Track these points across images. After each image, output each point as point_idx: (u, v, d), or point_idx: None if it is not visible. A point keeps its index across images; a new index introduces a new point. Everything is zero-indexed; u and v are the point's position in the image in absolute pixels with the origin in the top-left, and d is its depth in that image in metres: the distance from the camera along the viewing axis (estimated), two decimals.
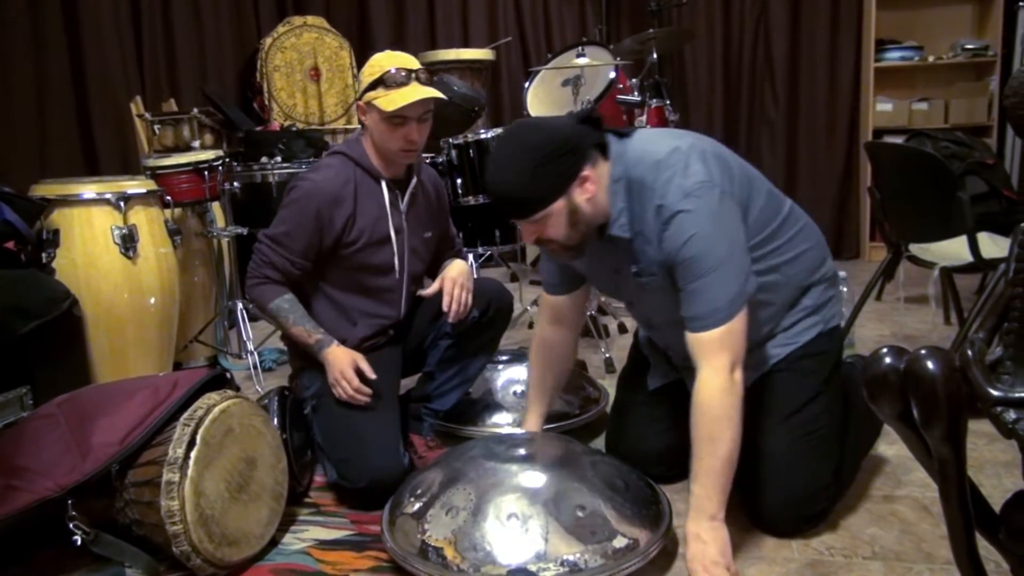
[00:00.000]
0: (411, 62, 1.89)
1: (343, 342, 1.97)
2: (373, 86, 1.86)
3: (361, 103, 1.91)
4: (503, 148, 1.56)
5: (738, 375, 1.50)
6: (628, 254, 1.62)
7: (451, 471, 1.59)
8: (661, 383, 1.86)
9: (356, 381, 1.85)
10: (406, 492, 1.62)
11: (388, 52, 1.92)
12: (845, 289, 2.24)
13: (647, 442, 1.83)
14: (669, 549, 1.59)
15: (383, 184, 1.97)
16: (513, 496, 1.49)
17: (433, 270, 2.16)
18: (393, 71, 1.85)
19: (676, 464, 1.82)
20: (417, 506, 1.55)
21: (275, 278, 1.93)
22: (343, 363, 1.87)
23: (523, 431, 1.88)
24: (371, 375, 1.87)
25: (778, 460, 1.63)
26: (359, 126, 2.03)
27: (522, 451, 1.62)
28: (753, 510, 1.67)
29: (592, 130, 1.58)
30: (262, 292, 1.94)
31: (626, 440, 1.83)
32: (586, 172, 1.53)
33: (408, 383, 2.26)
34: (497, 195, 1.56)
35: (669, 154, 1.54)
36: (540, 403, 1.90)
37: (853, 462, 1.79)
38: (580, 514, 1.47)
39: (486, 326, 2.09)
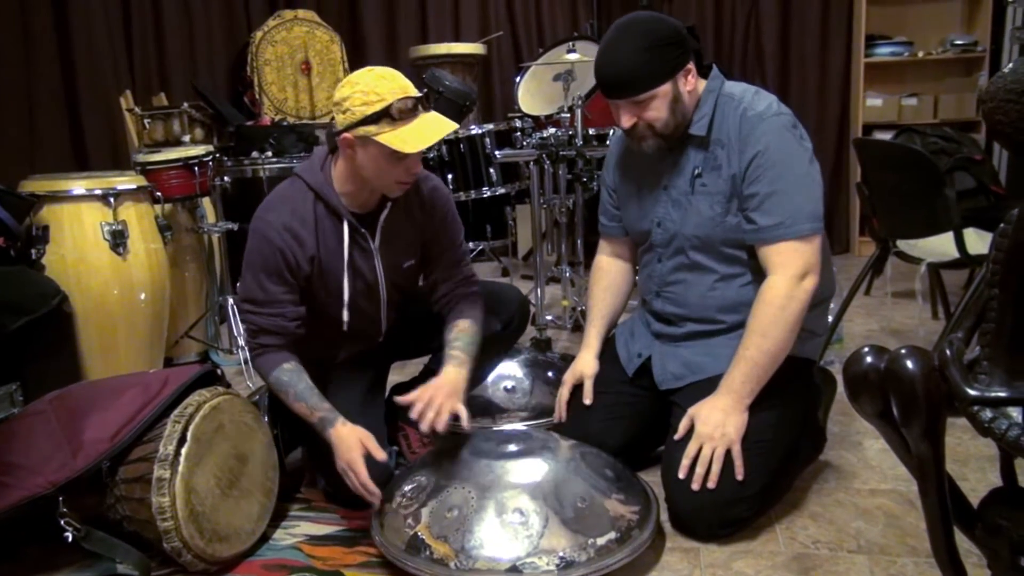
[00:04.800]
0: (410, 86, 1.62)
1: (333, 358, 1.87)
2: (374, 120, 1.57)
3: (350, 136, 1.61)
4: (620, 31, 1.69)
5: (807, 284, 1.63)
6: (692, 158, 1.75)
7: (443, 471, 1.59)
8: (638, 364, 1.88)
9: (364, 474, 1.59)
10: (396, 492, 1.62)
11: (377, 73, 1.61)
12: (834, 305, 2.27)
13: (611, 437, 1.83)
14: (657, 541, 1.61)
15: (345, 224, 1.73)
16: (515, 492, 1.50)
17: (431, 292, 1.95)
18: (400, 103, 1.57)
19: (634, 454, 1.88)
20: (410, 505, 1.55)
21: (272, 343, 1.71)
22: (351, 449, 1.61)
23: (511, 428, 1.89)
24: (381, 456, 1.63)
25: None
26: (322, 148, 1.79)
27: (512, 447, 1.63)
28: (675, 502, 1.65)
29: (692, 39, 1.73)
30: (261, 364, 1.73)
31: (588, 434, 1.82)
32: (690, 65, 1.70)
33: (402, 369, 2.27)
34: (611, 72, 1.69)
35: (766, 92, 1.74)
36: (598, 327, 1.96)
37: (788, 480, 1.79)
38: (581, 505, 1.49)
39: (506, 338, 2.10)
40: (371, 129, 1.58)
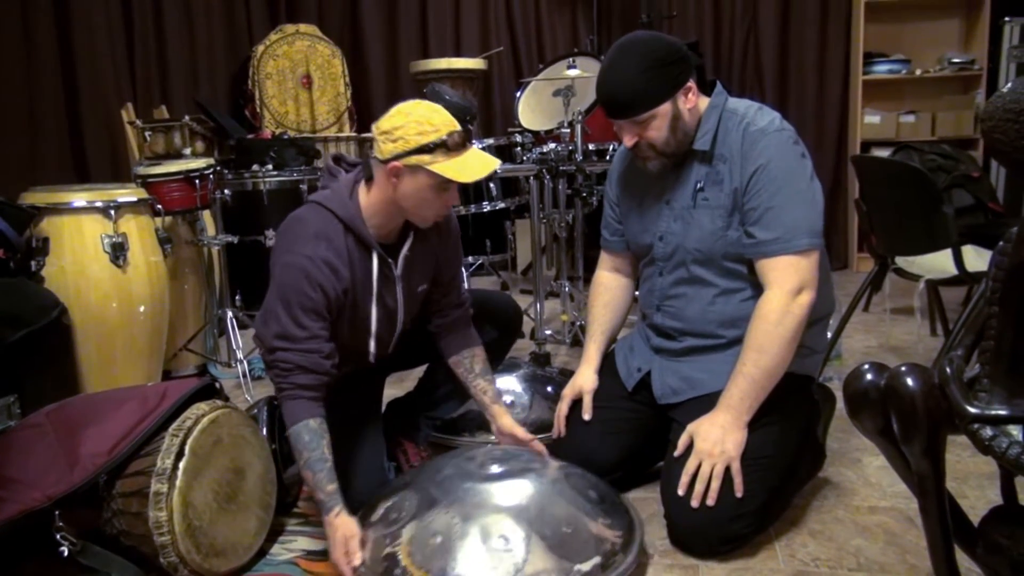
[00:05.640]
0: (456, 121, 1.67)
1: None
2: (429, 149, 1.59)
3: (399, 164, 1.60)
4: (621, 51, 1.71)
5: (803, 298, 1.63)
6: (696, 172, 1.76)
7: (426, 494, 1.54)
8: (637, 379, 1.88)
9: (347, 573, 1.53)
10: (377, 515, 1.58)
11: (427, 105, 1.64)
12: (833, 321, 2.28)
13: (610, 452, 1.84)
14: (642, 561, 1.60)
15: (374, 255, 1.73)
16: (499, 516, 1.47)
17: (429, 309, 1.96)
18: (454, 135, 1.61)
19: (632, 469, 1.90)
20: (390, 529, 1.51)
21: (307, 383, 1.62)
22: (335, 548, 1.55)
23: (493, 443, 1.89)
24: (356, 562, 1.53)
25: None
26: (335, 167, 1.78)
27: (496, 468, 1.59)
28: (673, 520, 1.65)
29: (694, 54, 1.69)
30: (290, 408, 1.63)
31: (586, 449, 1.83)
32: (690, 83, 1.72)
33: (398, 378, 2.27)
34: (611, 93, 1.71)
35: (769, 109, 1.76)
36: (597, 342, 1.97)
37: (787, 497, 1.78)
38: (566, 530, 1.46)
39: (504, 345, 2.11)
40: (424, 158, 1.60)
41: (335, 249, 1.67)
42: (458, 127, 1.64)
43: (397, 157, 1.60)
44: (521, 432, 1.85)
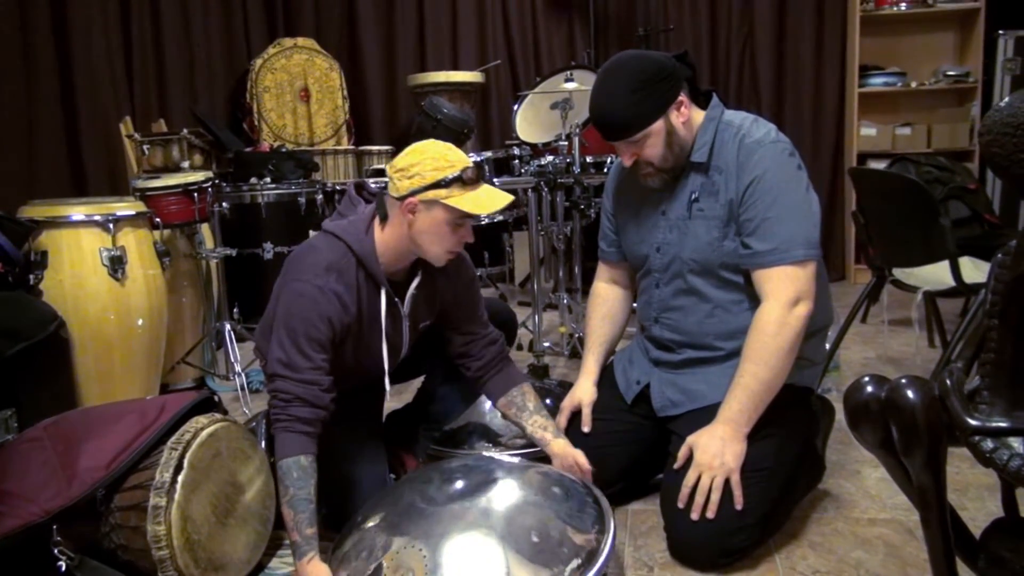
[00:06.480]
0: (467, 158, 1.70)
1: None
2: (446, 184, 1.62)
3: (415, 200, 1.63)
4: (608, 74, 1.73)
5: (800, 310, 1.63)
6: (691, 183, 1.77)
7: (390, 528, 1.49)
8: (636, 391, 1.88)
9: None
10: (345, 552, 1.52)
11: (441, 144, 1.67)
12: (831, 333, 2.28)
13: (613, 460, 1.84)
14: (618, 550, 1.60)
15: (383, 293, 1.74)
16: (465, 540, 1.42)
17: (464, 356, 1.95)
18: (470, 171, 1.64)
19: (632, 482, 1.90)
20: (361, 570, 1.46)
21: (305, 417, 1.59)
22: None
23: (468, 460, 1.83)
24: None
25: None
26: (352, 197, 1.80)
27: (457, 486, 1.55)
28: (673, 533, 1.65)
29: (684, 66, 1.76)
30: (283, 440, 1.59)
31: (591, 459, 1.80)
32: (682, 97, 1.72)
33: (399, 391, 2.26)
34: (602, 117, 1.73)
35: (764, 121, 1.77)
36: (596, 354, 1.98)
37: (787, 509, 1.78)
38: (535, 539, 1.42)
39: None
40: (441, 193, 1.62)
41: (346, 282, 1.68)
42: (471, 163, 1.67)
43: (413, 193, 1.63)
44: (583, 460, 1.76)
